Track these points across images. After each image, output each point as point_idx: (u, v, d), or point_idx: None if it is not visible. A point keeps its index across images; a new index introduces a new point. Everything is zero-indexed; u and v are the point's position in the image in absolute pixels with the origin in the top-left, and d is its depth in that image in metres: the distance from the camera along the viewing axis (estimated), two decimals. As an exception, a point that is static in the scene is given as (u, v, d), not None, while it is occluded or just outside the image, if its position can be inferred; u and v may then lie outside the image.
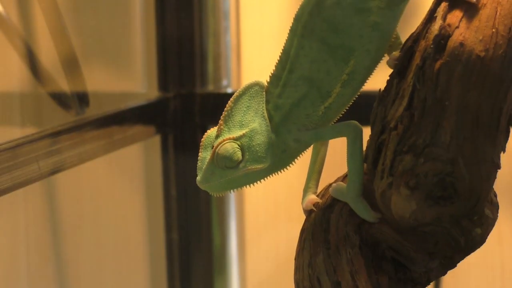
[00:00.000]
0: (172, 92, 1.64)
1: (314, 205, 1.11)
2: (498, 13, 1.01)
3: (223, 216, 1.68)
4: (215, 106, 1.63)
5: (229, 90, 1.68)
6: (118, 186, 1.66)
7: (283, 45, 1.07)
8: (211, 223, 1.66)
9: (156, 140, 1.64)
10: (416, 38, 1.04)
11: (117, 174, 1.64)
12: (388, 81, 1.06)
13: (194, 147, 1.61)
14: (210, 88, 1.67)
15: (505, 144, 1.07)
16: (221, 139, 1.04)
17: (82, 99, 1.45)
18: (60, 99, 1.44)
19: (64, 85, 1.44)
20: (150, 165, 1.67)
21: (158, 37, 1.66)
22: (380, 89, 1.08)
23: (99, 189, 1.59)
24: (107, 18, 1.60)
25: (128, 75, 1.67)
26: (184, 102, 1.65)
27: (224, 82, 1.69)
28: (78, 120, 1.42)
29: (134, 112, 1.55)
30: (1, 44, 1.37)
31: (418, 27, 1.06)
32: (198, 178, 1.05)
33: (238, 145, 1.04)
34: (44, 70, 1.42)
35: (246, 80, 1.71)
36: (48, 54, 1.42)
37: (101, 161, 1.49)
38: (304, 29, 1.05)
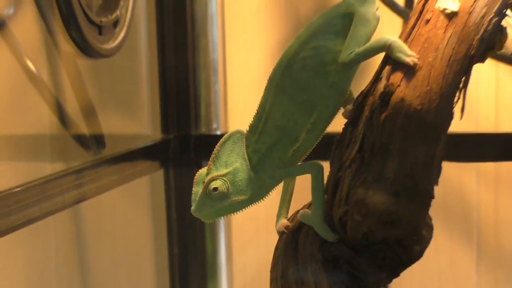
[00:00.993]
0: (172, 134, 1.63)
1: (285, 228, 1.10)
2: (431, 74, 1.01)
3: (214, 232, 1.68)
4: (207, 145, 1.61)
5: (218, 132, 1.68)
6: (130, 212, 1.65)
7: (260, 101, 1.07)
8: (204, 238, 1.66)
9: (160, 173, 1.63)
10: (365, 94, 1.04)
11: (129, 202, 1.63)
12: (343, 129, 1.06)
13: (190, 179, 1.62)
14: (203, 130, 1.66)
15: (438, 180, 1.08)
16: (211, 176, 1.04)
17: (99, 141, 1.44)
18: (81, 141, 1.43)
19: (84, 129, 1.43)
20: (155, 193, 1.67)
21: (160, 89, 1.65)
22: (336, 136, 1.07)
23: (114, 214, 1.58)
24: (119, 73, 1.59)
25: (137, 120, 1.67)
26: (182, 142, 1.64)
27: (214, 126, 1.68)
28: (96, 159, 1.41)
29: (142, 151, 1.55)
30: (34, 97, 1.36)
31: (367, 85, 1.05)
32: (193, 208, 1.05)
33: (224, 181, 1.04)
34: (68, 117, 1.41)
35: (231, 124, 1.74)
36: (71, 104, 1.42)
37: (115, 192, 1.48)
38: (276, 88, 1.06)
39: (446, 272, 1.68)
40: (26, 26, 1.34)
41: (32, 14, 1.33)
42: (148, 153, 1.57)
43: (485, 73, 1.68)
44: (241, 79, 1.73)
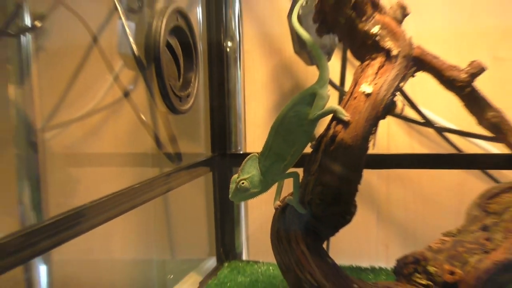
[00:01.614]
0: (216, 152, 1.59)
1: (278, 206, 1.10)
2: (357, 126, 1.00)
3: (238, 204, 1.66)
4: (235, 158, 1.59)
5: (241, 152, 1.64)
6: (194, 195, 1.62)
7: (266, 139, 1.05)
8: (233, 207, 1.62)
9: (210, 174, 1.59)
10: (322, 136, 1.04)
11: (194, 189, 1.61)
12: (310, 154, 1.05)
13: (226, 178, 1.59)
14: (233, 150, 1.62)
15: (360, 181, 1.05)
16: (239, 178, 1.02)
17: (179, 157, 1.41)
18: (168, 156, 1.39)
19: (170, 150, 1.40)
20: (207, 185, 1.62)
21: (211, 128, 1.61)
22: (307, 157, 1.06)
23: (186, 196, 1.55)
24: (190, 121, 1.56)
25: (198, 145, 1.63)
26: (222, 157, 1.60)
27: (239, 148, 1.64)
28: (177, 167, 1.38)
29: (201, 163, 1.51)
30: (143, 133, 1.32)
31: (323, 131, 1.05)
32: (230, 196, 1.04)
33: (247, 181, 1.03)
34: (161, 144, 1.38)
35: (248, 147, 1.69)
36: (163, 137, 1.39)
37: (187, 185, 1.45)
38: (275, 133, 1.03)
39: (360, 227, 1.66)
40: (140, 95, 1.30)
41: (144, 89, 1.30)
42: (204, 163, 1.54)
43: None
44: (253, 123, 1.70)
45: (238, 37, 1.62)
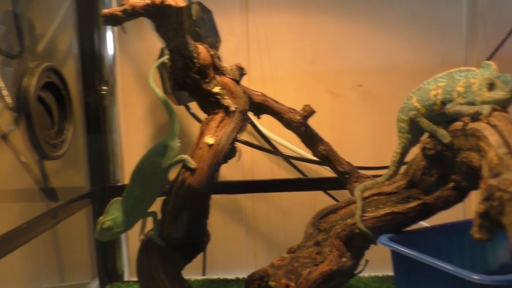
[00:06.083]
0: (96, 186, 1.56)
1: (142, 239, 1.12)
2: (202, 172, 1.05)
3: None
4: (112, 190, 1.56)
5: (120, 184, 1.62)
6: (76, 224, 1.55)
7: (128, 183, 1.07)
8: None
9: (90, 206, 1.56)
10: (174, 181, 1.07)
11: (77, 219, 1.52)
12: (165, 196, 1.08)
13: (104, 208, 1.49)
14: (112, 183, 1.60)
15: (208, 215, 1.09)
16: (104, 219, 1.05)
17: (55, 195, 1.37)
18: (48, 194, 1.35)
19: (49, 187, 1.36)
20: (88, 214, 1.57)
21: (89, 166, 1.57)
22: (164, 200, 1.08)
23: (71, 225, 1.49)
24: (66, 164, 1.48)
25: (78, 180, 1.58)
26: (101, 190, 1.57)
27: (117, 179, 1.62)
28: (59, 204, 1.35)
29: (82, 196, 1.48)
30: (24, 173, 1.26)
31: (174, 178, 1.07)
32: (96, 235, 1.06)
33: (111, 221, 1.04)
34: (41, 182, 1.32)
35: (127, 178, 1.55)
36: (41, 176, 1.34)
37: (75, 216, 1.43)
38: (135, 179, 1.07)
39: (231, 240, 1.68)
40: (19, 140, 1.25)
41: (23, 133, 1.25)
42: (85, 196, 1.51)
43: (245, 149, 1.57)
44: (131, 155, 1.66)
45: (113, 80, 1.61)
